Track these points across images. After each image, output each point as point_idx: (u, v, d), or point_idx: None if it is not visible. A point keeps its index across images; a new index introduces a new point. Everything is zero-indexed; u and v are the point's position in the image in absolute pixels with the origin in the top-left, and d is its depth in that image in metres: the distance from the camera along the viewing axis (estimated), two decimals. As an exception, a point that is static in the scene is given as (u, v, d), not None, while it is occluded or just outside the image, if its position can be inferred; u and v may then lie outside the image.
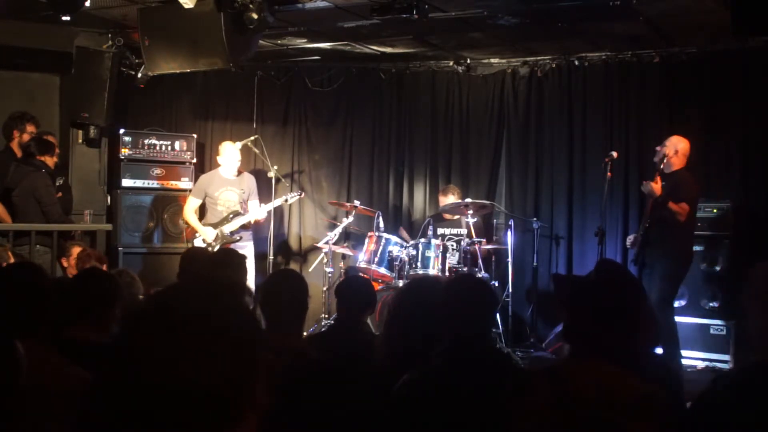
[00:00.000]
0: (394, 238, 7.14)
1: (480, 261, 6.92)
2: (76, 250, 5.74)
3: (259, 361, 1.16)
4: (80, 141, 7.52)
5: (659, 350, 6.40)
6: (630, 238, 6.55)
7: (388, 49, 7.83)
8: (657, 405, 1.25)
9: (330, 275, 7.38)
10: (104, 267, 5.02)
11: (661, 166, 6.15)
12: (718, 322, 6.23)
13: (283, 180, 8.02)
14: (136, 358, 1.09)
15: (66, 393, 2.16)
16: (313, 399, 2.52)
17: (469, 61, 8.19)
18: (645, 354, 2.56)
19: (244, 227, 7.22)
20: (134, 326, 1.13)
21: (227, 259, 4.26)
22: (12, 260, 5.26)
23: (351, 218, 7.55)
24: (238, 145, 7.47)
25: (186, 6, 5.57)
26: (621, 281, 2.03)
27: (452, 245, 7.31)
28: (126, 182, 7.56)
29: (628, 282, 2.06)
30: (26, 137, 6.84)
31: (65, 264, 5.97)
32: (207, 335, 1.10)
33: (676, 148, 6.18)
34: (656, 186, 6.05)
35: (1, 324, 2.54)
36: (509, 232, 7.35)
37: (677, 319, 6.24)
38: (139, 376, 1.08)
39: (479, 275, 6.63)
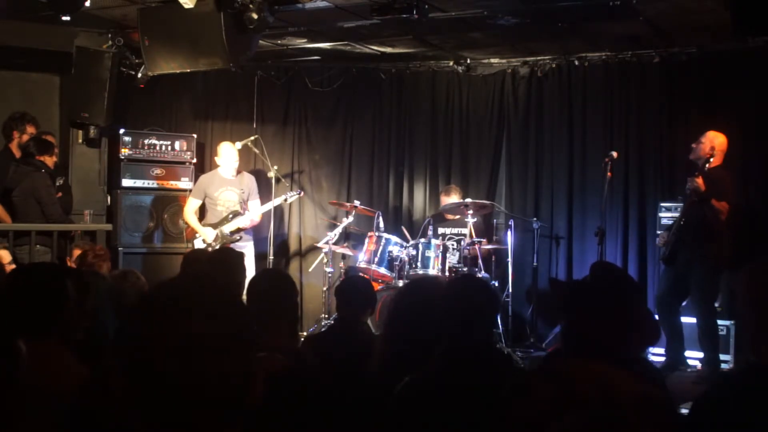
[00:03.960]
0: (394, 238, 7.14)
1: (480, 261, 6.92)
2: (77, 252, 5.70)
3: (255, 359, 1.17)
4: (80, 141, 7.52)
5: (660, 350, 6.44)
6: (662, 236, 6.44)
7: (388, 49, 7.83)
8: (655, 405, 1.25)
9: (330, 275, 7.38)
10: (107, 266, 4.99)
11: (700, 164, 5.95)
12: (719, 321, 6.22)
13: (283, 180, 8.02)
14: (142, 352, 1.11)
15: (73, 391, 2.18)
16: (305, 400, 2.51)
17: (469, 61, 8.19)
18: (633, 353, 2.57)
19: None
20: (142, 320, 1.14)
21: (225, 258, 4.25)
22: (7, 259, 5.26)
23: (351, 218, 7.56)
24: (238, 145, 7.47)
25: (186, 6, 5.57)
26: (616, 282, 2.05)
27: (452, 245, 7.31)
28: (126, 182, 7.56)
29: (623, 283, 2.07)
30: (26, 138, 6.84)
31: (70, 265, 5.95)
32: (211, 331, 1.12)
33: (712, 144, 6.05)
34: (701, 182, 5.81)
35: (10, 323, 2.57)
36: (509, 232, 7.35)
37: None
38: (144, 369, 1.09)
39: (479, 275, 6.63)
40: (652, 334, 3.27)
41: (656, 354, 6.49)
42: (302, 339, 5.06)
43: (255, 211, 7.34)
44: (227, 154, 7.30)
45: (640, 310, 2.03)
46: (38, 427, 2.15)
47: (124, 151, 7.56)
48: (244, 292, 4.15)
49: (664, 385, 3.17)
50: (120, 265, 6.96)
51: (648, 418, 1.20)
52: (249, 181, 7.47)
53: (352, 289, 3.99)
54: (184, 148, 7.81)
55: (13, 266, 5.39)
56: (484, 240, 7.21)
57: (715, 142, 6.08)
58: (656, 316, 6.29)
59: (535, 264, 7.60)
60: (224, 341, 1.12)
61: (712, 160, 5.99)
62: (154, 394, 1.08)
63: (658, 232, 6.79)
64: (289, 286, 3.32)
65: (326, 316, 7.30)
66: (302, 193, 7.90)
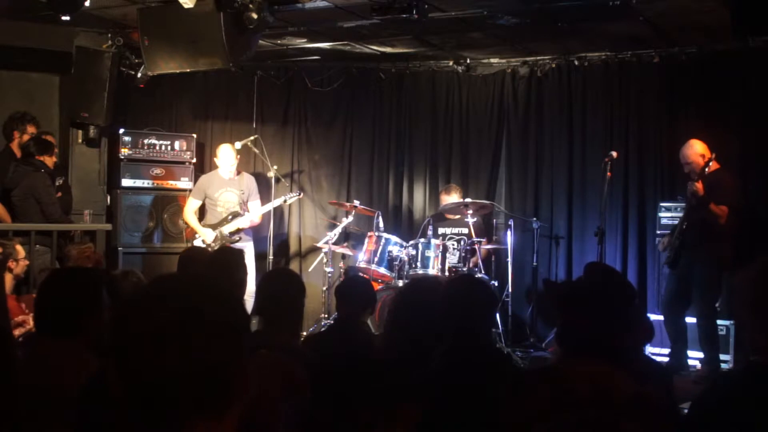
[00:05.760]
0: (393, 238, 7.15)
1: (480, 261, 6.92)
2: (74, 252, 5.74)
3: (244, 352, 1.18)
4: (80, 141, 7.52)
5: (663, 350, 6.45)
6: (663, 241, 6.46)
7: (388, 49, 7.83)
8: (651, 404, 1.25)
9: (330, 275, 7.38)
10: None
11: (699, 174, 5.97)
12: (719, 321, 6.22)
13: (283, 180, 8.02)
14: (129, 347, 1.12)
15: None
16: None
17: (469, 61, 8.19)
18: (636, 352, 2.58)
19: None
20: (127, 315, 1.16)
21: (225, 257, 4.25)
22: (22, 254, 5.31)
23: (351, 218, 7.56)
24: (238, 145, 7.47)
25: (186, 6, 5.57)
26: (610, 283, 2.06)
27: (452, 245, 7.31)
28: (126, 182, 7.56)
29: (616, 283, 2.08)
30: (26, 138, 6.84)
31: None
32: (196, 322, 1.13)
33: (701, 154, 6.09)
34: (700, 186, 5.88)
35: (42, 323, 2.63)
36: (509, 232, 7.35)
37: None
38: (130, 363, 1.10)
39: (479, 275, 6.63)
40: (646, 333, 3.28)
41: (659, 354, 6.49)
42: (302, 339, 5.07)
43: (255, 212, 7.34)
44: (225, 156, 7.31)
45: (634, 310, 2.04)
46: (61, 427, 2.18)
47: (124, 151, 7.56)
48: (247, 290, 4.17)
49: (671, 381, 3.16)
50: (120, 265, 6.97)
51: (644, 416, 1.20)
52: (249, 181, 7.47)
53: (352, 289, 3.99)
54: (184, 147, 7.81)
55: (26, 262, 5.45)
56: (484, 240, 7.21)
57: (701, 151, 6.10)
58: (661, 318, 6.31)
59: (534, 264, 7.60)
60: (215, 335, 1.13)
61: (711, 164, 6.00)
62: (143, 389, 1.09)
63: (658, 232, 6.79)
64: (299, 286, 3.33)
65: (326, 316, 7.29)
66: (302, 195, 7.90)
